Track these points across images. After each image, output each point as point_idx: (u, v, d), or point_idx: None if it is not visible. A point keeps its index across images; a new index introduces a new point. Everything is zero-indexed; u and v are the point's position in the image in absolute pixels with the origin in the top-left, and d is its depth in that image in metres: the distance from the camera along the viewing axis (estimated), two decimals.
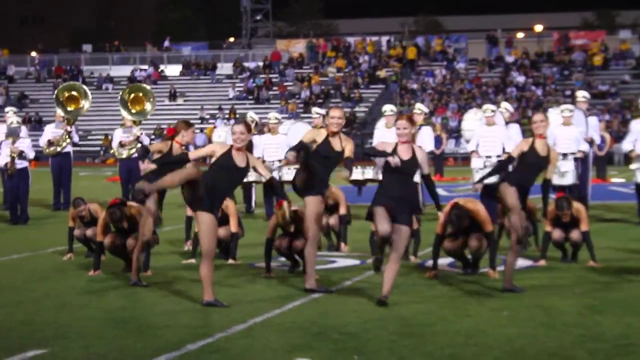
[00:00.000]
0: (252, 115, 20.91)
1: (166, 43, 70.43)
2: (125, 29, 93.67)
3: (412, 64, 60.73)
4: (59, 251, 14.24)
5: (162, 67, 65.52)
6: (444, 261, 12.74)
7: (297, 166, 15.70)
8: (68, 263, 13.14)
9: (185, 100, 61.21)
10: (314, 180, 10.71)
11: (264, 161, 19.19)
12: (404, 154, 9.93)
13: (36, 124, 54.09)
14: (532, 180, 10.67)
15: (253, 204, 20.52)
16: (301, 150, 10.76)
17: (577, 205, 12.78)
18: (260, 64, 63.45)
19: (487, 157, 17.84)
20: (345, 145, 10.79)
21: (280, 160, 19.17)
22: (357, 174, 17.55)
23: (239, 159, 10.05)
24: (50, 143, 21.25)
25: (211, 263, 9.89)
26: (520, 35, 66.39)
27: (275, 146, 19.49)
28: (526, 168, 10.58)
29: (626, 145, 18.14)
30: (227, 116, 55.06)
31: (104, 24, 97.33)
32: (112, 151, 21.15)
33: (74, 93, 21.30)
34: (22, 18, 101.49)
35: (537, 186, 10.73)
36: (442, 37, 64.24)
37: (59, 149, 21.17)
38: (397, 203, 9.83)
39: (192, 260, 12.91)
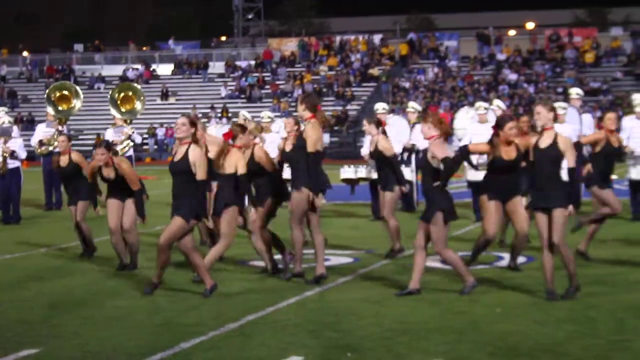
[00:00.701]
0: (244, 114, 20.91)
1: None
2: (119, 28, 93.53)
3: (405, 60, 60.77)
4: (52, 251, 14.24)
5: (153, 66, 65.41)
6: (437, 258, 12.78)
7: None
8: (60, 262, 13.13)
9: (177, 100, 61.15)
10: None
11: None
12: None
13: (28, 124, 53.96)
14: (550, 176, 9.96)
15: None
16: None
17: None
18: (252, 62, 63.40)
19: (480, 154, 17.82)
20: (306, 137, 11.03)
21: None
22: (350, 172, 17.60)
23: (178, 154, 10.19)
24: (41, 143, 21.18)
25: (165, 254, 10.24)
26: (512, 32, 66.43)
27: (268, 144, 19.48)
28: (540, 165, 9.95)
29: None
30: (219, 115, 55.01)
31: (98, 23, 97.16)
32: None
33: (65, 92, 21.26)
34: (16, 17, 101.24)
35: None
36: (435, 35, 64.22)
37: (50, 148, 21.10)
38: None
39: None
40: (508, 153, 11.10)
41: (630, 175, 17.78)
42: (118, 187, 12.29)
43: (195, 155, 10.03)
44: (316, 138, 10.88)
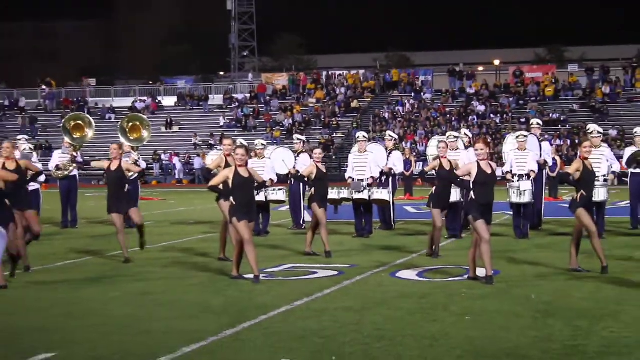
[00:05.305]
0: (241, 142, 20.95)
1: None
2: (128, 64, 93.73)
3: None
4: (67, 265, 14.22)
5: (159, 98, 65.46)
6: (415, 271, 12.81)
7: (280, 187, 16.18)
8: (73, 276, 13.09)
9: (180, 128, 61.16)
10: None
11: None
12: (487, 168, 11.89)
13: (46, 150, 53.85)
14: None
15: None
16: None
17: None
18: (248, 95, 63.49)
19: None
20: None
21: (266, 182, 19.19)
22: (334, 194, 17.74)
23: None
24: (57, 167, 21.19)
25: None
26: (480, 68, 66.71)
27: (261, 169, 19.54)
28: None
29: None
30: (218, 142, 55.07)
31: (109, 60, 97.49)
32: None
33: (80, 122, 21.27)
34: (36, 54, 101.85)
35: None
36: (408, 72, 64.45)
37: (66, 172, 21.11)
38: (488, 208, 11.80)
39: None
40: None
41: None
42: None
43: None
44: None
